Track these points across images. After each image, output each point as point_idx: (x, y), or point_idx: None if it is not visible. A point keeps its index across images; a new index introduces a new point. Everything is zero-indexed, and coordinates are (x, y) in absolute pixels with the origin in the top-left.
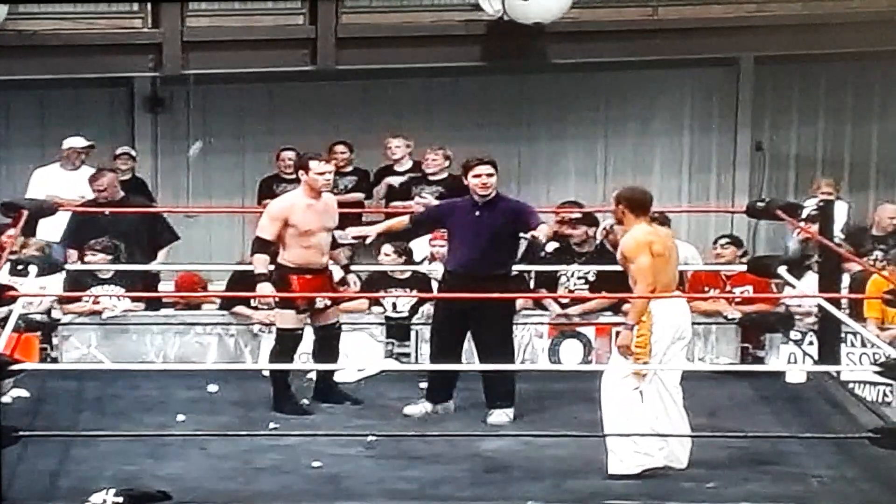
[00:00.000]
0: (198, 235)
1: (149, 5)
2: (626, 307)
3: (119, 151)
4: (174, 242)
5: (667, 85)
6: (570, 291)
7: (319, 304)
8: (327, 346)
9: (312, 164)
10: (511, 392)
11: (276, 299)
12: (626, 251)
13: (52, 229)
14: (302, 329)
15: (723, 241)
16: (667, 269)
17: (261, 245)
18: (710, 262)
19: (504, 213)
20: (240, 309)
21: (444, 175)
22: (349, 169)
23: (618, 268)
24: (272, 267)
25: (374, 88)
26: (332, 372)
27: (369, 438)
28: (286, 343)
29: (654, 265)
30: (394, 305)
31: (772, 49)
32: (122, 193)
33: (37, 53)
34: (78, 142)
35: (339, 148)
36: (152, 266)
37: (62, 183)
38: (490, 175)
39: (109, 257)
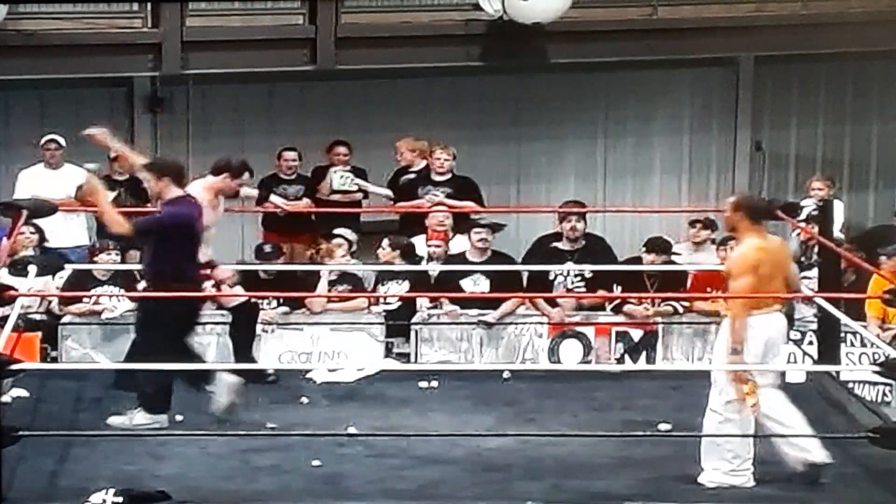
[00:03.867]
0: None
1: (149, 5)
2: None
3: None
4: None
5: (666, 85)
6: (569, 290)
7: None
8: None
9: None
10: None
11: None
12: (733, 269)
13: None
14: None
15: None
16: (769, 287)
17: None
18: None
19: None
20: None
21: (451, 175)
22: (347, 169)
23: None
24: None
25: (374, 88)
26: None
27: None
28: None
29: (753, 288)
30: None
31: (771, 49)
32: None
33: (37, 53)
34: (51, 138)
35: (341, 149)
36: None
37: (47, 182)
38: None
39: (118, 258)
